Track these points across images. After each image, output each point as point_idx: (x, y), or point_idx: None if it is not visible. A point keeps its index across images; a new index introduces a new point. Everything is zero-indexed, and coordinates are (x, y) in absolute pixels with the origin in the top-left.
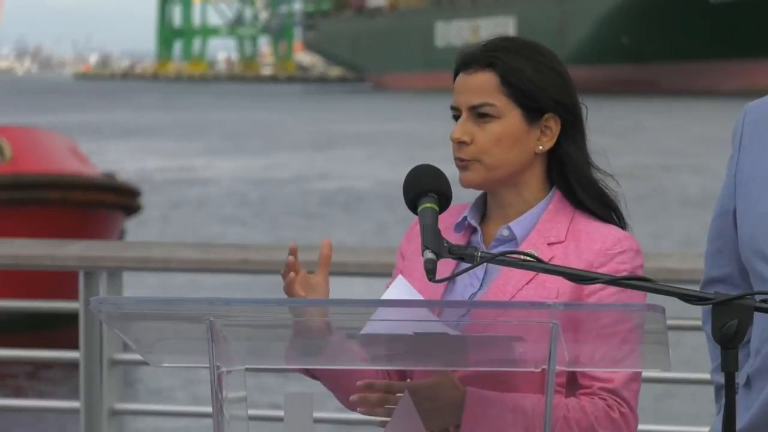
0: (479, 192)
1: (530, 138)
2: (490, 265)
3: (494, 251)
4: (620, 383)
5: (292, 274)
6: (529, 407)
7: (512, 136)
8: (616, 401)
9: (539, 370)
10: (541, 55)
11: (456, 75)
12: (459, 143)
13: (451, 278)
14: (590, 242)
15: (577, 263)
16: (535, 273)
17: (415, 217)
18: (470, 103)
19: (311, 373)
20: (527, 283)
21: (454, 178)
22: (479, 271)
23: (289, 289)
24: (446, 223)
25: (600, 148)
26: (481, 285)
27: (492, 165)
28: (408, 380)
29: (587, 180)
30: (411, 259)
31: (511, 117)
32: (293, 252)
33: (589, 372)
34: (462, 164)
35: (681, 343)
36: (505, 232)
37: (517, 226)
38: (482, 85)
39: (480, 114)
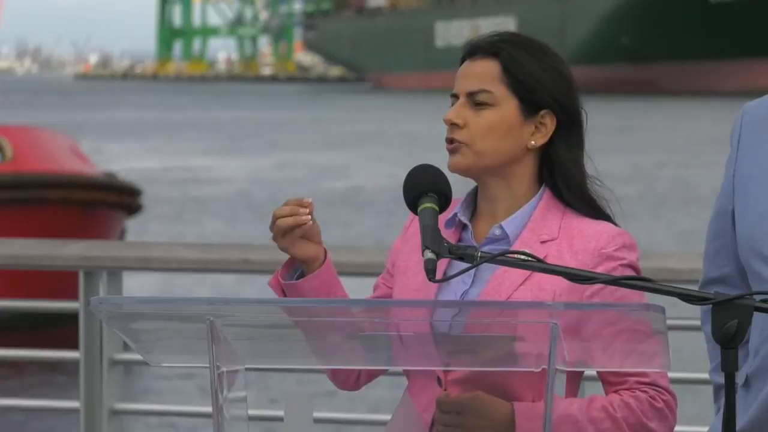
0: (471, 187)
1: (524, 131)
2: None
3: (485, 250)
4: (654, 373)
5: (308, 218)
6: (576, 413)
7: (506, 126)
8: (657, 392)
9: (539, 370)
10: (548, 55)
11: (461, 64)
12: (452, 125)
13: (450, 278)
14: (584, 241)
15: (571, 263)
16: (529, 274)
17: (410, 216)
18: (468, 88)
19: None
20: (522, 284)
21: (454, 177)
22: None
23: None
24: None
25: (588, 156)
26: (473, 282)
27: (481, 151)
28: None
29: (574, 183)
30: (406, 257)
31: (507, 107)
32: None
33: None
34: (452, 147)
35: (680, 344)
36: (497, 231)
37: (509, 225)
38: (483, 72)
39: (477, 102)
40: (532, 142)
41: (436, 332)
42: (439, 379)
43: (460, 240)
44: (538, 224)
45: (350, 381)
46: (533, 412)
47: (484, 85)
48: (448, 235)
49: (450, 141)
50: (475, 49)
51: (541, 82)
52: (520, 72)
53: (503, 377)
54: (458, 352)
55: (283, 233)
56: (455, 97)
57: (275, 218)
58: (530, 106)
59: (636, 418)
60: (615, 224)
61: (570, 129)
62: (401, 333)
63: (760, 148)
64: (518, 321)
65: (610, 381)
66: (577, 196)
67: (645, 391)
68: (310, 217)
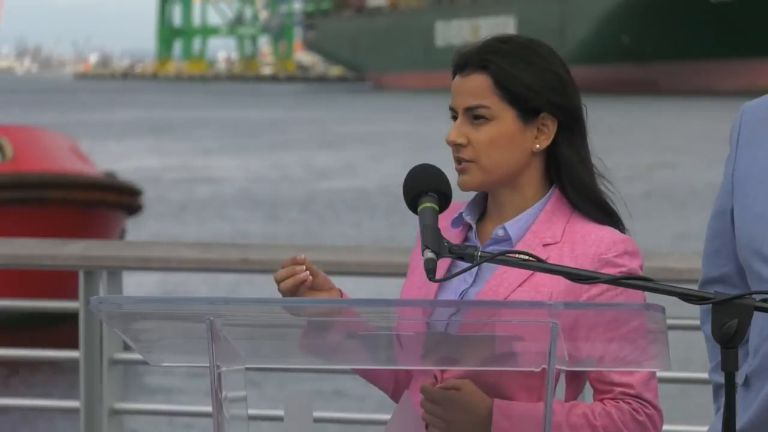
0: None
1: (526, 137)
2: (485, 263)
3: (488, 251)
4: (640, 385)
5: (307, 275)
6: (556, 418)
7: (507, 137)
8: (641, 404)
9: (539, 369)
10: (539, 56)
11: (454, 75)
12: (455, 145)
13: (449, 278)
14: (585, 246)
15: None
16: (527, 276)
17: None
18: (464, 105)
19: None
20: (519, 285)
21: (454, 177)
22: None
23: (298, 292)
24: (444, 219)
25: (595, 154)
26: (474, 281)
27: (488, 167)
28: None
29: (580, 183)
30: (417, 257)
31: (506, 118)
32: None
33: (605, 378)
34: (460, 167)
35: (680, 343)
36: (500, 232)
37: (513, 226)
38: (476, 88)
39: (475, 116)
40: (537, 146)
41: (433, 331)
42: (435, 378)
43: (465, 240)
44: (542, 227)
45: (390, 388)
46: (510, 411)
47: (479, 100)
48: (455, 234)
49: (458, 161)
50: (464, 63)
51: (534, 88)
52: (511, 83)
53: (497, 377)
54: (454, 352)
55: (290, 295)
56: (453, 111)
57: (277, 283)
58: (528, 112)
59: (616, 428)
60: (621, 228)
61: (572, 129)
62: (399, 332)
63: (758, 148)
64: (518, 321)
65: (597, 389)
66: (582, 196)
67: (629, 403)
68: (308, 273)
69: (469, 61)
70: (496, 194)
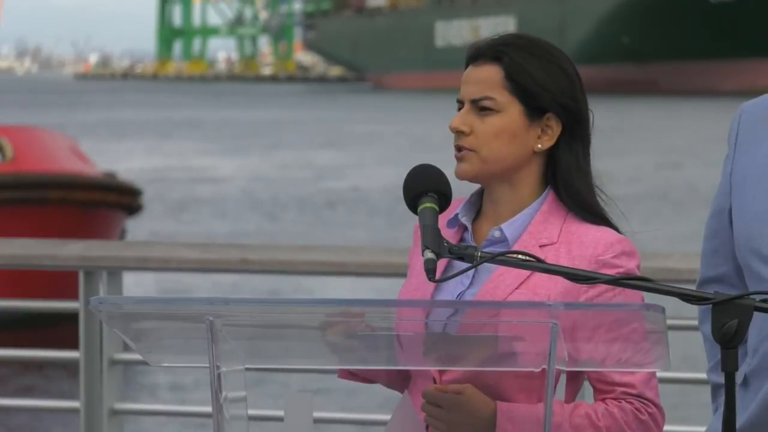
0: (472, 187)
1: (530, 135)
2: (482, 265)
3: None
4: (642, 385)
5: None
6: (560, 418)
7: (511, 131)
8: (642, 404)
9: (539, 370)
10: (551, 56)
11: (467, 67)
12: (457, 132)
13: (450, 278)
14: (582, 248)
15: None
16: (525, 278)
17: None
18: (472, 95)
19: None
20: (517, 288)
21: (454, 177)
22: None
23: None
24: (440, 219)
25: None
26: (471, 283)
27: (488, 158)
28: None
29: (574, 190)
30: (416, 258)
31: (512, 112)
32: None
33: (606, 378)
34: (459, 155)
35: (680, 343)
36: (497, 234)
37: (509, 227)
38: (486, 78)
39: (481, 108)
40: (539, 146)
41: (431, 332)
42: (434, 380)
43: (461, 240)
44: (538, 228)
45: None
46: (513, 413)
47: (488, 91)
48: (450, 235)
49: (458, 148)
50: (477, 54)
51: (544, 86)
52: (522, 77)
53: (497, 378)
54: (453, 352)
55: None
56: (461, 103)
57: None
58: (535, 109)
59: (619, 428)
60: (617, 230)
61: (573, 134)
62: (397, 333)
63: (757, 147)
64: (518, 321)
65: (598, 389)
66: (575, 201)
67: (631, 402)
68: None
69: (483, 52)
70: (492, 191)
